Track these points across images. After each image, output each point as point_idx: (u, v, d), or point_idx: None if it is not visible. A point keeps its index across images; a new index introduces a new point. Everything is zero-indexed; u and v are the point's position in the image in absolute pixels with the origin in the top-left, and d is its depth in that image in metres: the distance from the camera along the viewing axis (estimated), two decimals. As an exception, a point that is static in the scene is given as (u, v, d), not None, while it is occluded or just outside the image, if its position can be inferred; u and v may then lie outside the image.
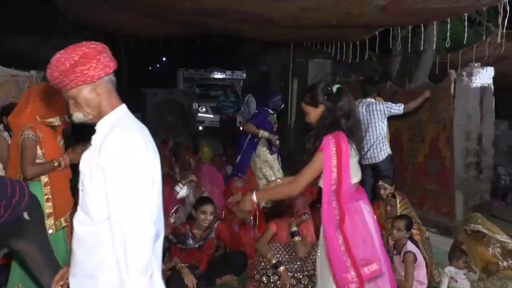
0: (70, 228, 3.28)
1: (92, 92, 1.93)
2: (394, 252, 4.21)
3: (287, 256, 4.26)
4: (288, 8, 5.77)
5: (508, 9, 4.82)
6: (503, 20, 4.93)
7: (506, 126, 9.14)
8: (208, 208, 4.42)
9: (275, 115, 6.60)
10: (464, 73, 6.07)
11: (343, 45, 8.22)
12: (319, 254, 3.04)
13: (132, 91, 14.56)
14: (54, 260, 3.10)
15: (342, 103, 2.90)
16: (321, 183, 2.87)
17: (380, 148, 6.02)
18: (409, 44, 6.77)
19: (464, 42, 5.97)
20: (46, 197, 3.37)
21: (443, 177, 6.29)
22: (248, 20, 6.90)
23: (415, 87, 7.39)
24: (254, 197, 2.91)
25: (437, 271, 4.55)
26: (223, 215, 5.27)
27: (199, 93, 16.37)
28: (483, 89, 6.07)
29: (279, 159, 6.55)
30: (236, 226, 5.04)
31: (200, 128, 14.59)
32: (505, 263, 4.44)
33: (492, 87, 6.11)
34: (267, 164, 6.36)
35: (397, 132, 6.96)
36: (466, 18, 5.64)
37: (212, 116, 15.15)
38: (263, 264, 4.22)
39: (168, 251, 4.42)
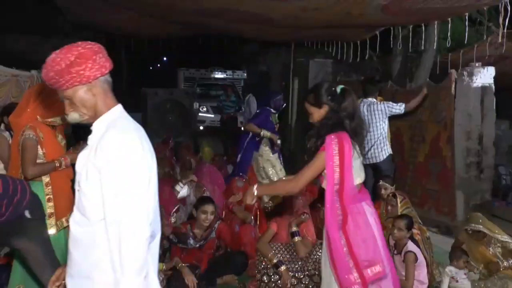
0: (71, 228, 3.28)
1: (88, 93, 1.93)
2: (395, 252, 4.20)
3: (288, 256, 4.25)
4: (288, 8, 5.77)
5: (509, 8, 4.81)
6: (504, 20, 4.92)
7: (507, 126, 9.13)
8: (209, 207, 4.42)
9: (277, 115, 6.61)
10: (465, 72, 6.07)
11: (344, 45, 8.21)
12: (321, 254, 3.04)
13: (132, 91, 14.56)
14: (55, 259, 3.09)
15: (346, 104, 2.89)
16: (324, 184, 2.86)
17: (381, 148, 6.02)
18: (410, 44, 6.78)
19: (465, 42, 5.97)
20: (47, 197, 3.36)
21: (444, 177, 6.29)
22: (248, 20, 6.90)
23: (416, 87, 7.39)
24: (255, 190, 2.90)
25: (438, 270, 4.55)
26: (224, 214, 5.28)
27: (200, 93, 16.34)
28: (484, 88, 6.07)
29: (281, 158, 6.56)
30: (237, 226, 5.04)
31: (201, 128, 14.56)
32: (505, 263, 4.44)
33: (493, 86, 6.11)
34: (270, 163, 6.37)
35: (398, 132, 6.95)
36: (467, 17, 5.62)
37: (213, 115, 15.14)
38: (264, 263, 4.20)
39: (169, 251, 4.42)
